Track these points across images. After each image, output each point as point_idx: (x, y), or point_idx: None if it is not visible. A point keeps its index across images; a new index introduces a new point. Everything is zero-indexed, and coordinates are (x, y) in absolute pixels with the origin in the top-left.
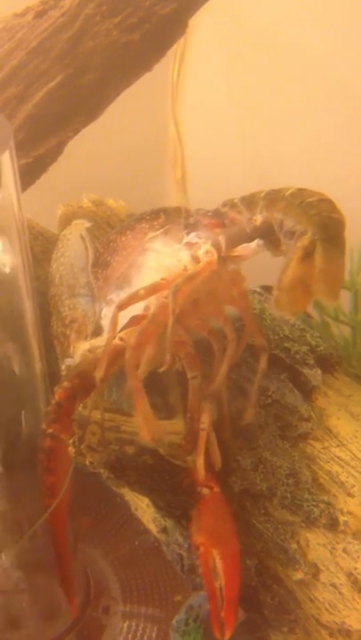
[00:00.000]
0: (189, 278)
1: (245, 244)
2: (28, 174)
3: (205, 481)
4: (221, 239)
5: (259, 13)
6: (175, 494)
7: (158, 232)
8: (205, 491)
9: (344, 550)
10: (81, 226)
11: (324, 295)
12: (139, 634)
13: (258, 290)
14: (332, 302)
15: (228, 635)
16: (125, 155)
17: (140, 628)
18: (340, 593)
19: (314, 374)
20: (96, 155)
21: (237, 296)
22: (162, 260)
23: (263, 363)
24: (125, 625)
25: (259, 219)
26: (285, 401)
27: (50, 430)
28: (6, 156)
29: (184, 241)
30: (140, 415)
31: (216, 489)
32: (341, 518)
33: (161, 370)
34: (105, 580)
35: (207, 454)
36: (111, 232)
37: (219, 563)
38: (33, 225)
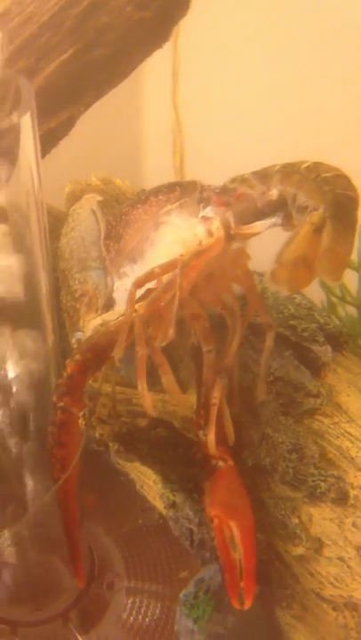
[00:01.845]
0: (197, 254)
1: (262, 222)
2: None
3: (220, 454)
4: (230, 216)
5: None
6: (188, 466)
7: (175, 205)
8: (221, 463)
9: (353, 524)
10: (92, 200)
11: (328, 275)
12: (142, 610)
13: (258, 271)
14: (335, 282)
15: (248, 604)
16: (125, 141)
17: (143, 604)
18: (348, 566)
19: (324, 351)
20: (94, 139)
21: (242, 274)
22: (179, 233)
23: (269, 340)
24: (129, 601)
25: (275, 192)
26: (290, 378)
27: (61, 403)
28: (27, 118)
29: (200, 215)
30: (142, 385)
31: (230, 462)
32: (352, 492)
33: (163, 344)
34: (109, 556)
35: (221, 428)
36: (124, 205)
37: (237, 534)
38: None
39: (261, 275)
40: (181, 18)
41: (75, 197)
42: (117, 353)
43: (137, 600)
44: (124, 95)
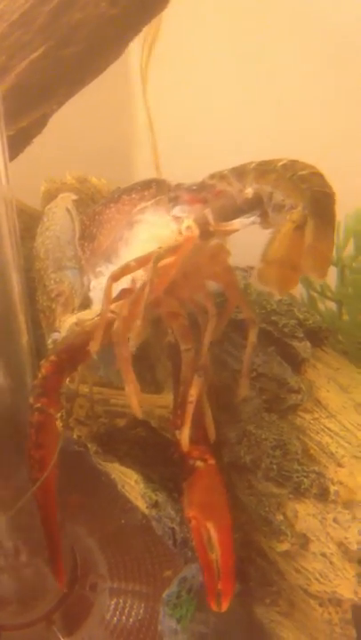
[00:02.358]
0: (172, 250)
1: (240, 220)
2: (11, 147)
3: (200, 453)
4: (208, 213)
5: None
6: (167, 466)
7: (149, 202)
8: (199, 463)
9: (335, 520)
10: (67, 199)
11: (312, 272)
12: (126, 610)
13: (241, 266)
14: (320, 279)
15: (225, 605)
16: (95, 141)
17: (127, 604)
18: (330, 562)
19: (303, 347)
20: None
21: (221, 271)
22: (154, 230)
23: (252, 336)
24: (113, 602)
25: (250, 191)
26: (273, 374)
27: (37, 405)
28: None
29: (171, 214)
30: (130, 386)
31: (211, 461)
32: (332, 488)
33: (133, 341)
34: (92, 557)
35: (202, 427)
36: (97, 204)
37: (214, 535)
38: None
39: (245, 270)
40: (158, 13)
41: (50, 196)
42: (93, 347)
43: (120, 601)
44: (103, 90)
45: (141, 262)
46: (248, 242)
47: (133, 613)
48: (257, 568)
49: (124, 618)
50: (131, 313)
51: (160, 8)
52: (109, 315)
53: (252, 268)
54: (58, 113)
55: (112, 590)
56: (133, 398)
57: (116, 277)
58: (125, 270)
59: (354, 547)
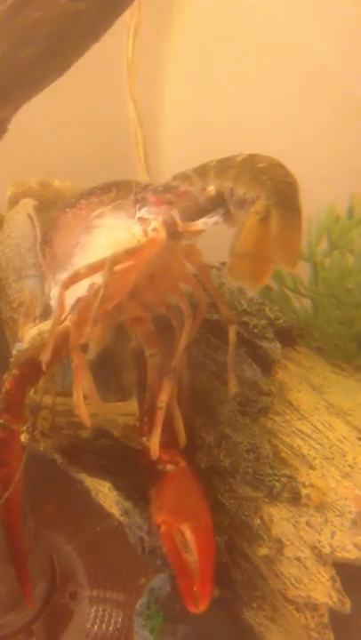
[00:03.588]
0: (129, 253)
1: (204, 220)
2: None
3: (171, 457)
4: (175, 214)
5: None
6: (132, 476)
7: (108, 207)
8: (170, 467)
9: (307, 523)
10: (28, 204)
11: (282, 261)
12: (105, 619)
13: (216, 265)
14: (290, 269)
15: (202, 607)
16: (86, 135)
17: (106, 613)
18: (304, 567)
19: (273, 348)
20: (55, 135)
21: (195, 270)
22: (114, 235)
23: (232, 334)
24: (93, 610)
25: (212, 189)
26: (245, 376)
27: (0, 421)
28: None
29: (136, 216)
30: (79, 394)
31: (182, 464)
32: (304, 491)
33: (92, 348)
34: (70, 565)
35: (172, 431)
36: (56, 208)
37: (190, 537)
38: None
39: (219, 268)
40: (124, 10)
41: (17, 200)
42: (44, 356)
43: (100, 609)
44: (80, 87)
45: (93, 268)
46: (218, 238)
47: (112, 621)
48: (243, 572)
49: (103, 626)
50: (82, 319)
51: (127, 3)
52: (67, 324)
53: (224, 264)
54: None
55: (91, 598)
56: (81, 408)
57: (66, 285)
58: (76, 277)
59: (327, 550)
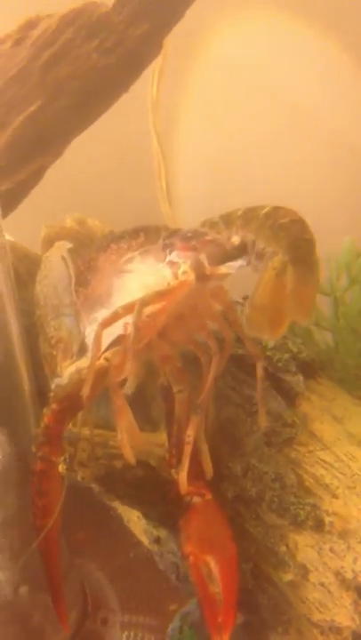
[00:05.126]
0: (159, 295)
1: (229, 264)
2: (10, 199)
3: (197, 489)
4: (203, 258)
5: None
6: (166, 504)
7: (137, 252)
8: (196, 499)
9: (331, 550)
10: (62, 247)
11: (297, 315)
12: None
13: (240, 300)
14: (304, 322)
15: (226, 637)
16: (113, 172)
17: (138, 637)
18: (328, 591)
19: (296, 381)
20: (83, 174)
21: (223, 310)
22: (144, 279)
23: (260, 370)
24: (124, 635)
25: (237, 239)
26: (270, 408)
27: (40, 453)
28: None
29: (167, 260)
30: (123, 434)
31: (208, 496)
32: (327, 519)
33: (131, 383)
34: (102, 592)
35: (198, 463)
36: (90, 250)
37: (215, 568)
38: (17, 247)
39: (242, 304)
40: (152, 60)
41: (50, 241)
42: (85, 392)
43: (132, 634)
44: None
45: (129, 308)
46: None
47: None
48: (270, 597)
49: None
50: (121, 362)
51: (153, 55)
52: (104, 362)
53: (247, 297)
54: (77, 148)
55: (123, 624)
56: (126, 447)
57: (105, 324)
58: (115, 317)
59: (350, 575)
